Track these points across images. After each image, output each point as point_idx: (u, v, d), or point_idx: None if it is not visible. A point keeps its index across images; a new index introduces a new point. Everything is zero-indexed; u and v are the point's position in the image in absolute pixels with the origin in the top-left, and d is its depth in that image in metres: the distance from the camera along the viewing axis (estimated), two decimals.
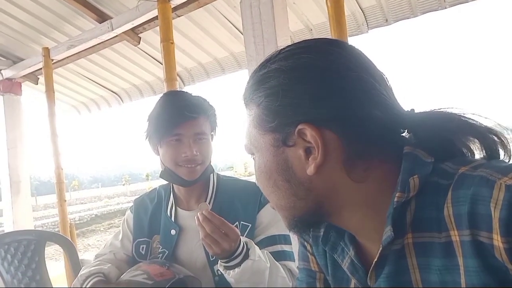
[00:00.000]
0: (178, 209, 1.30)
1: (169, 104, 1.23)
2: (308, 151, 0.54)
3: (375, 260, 0.55)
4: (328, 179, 0.54)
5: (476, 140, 0.53)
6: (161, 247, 1.27)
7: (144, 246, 1.30)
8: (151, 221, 1.32)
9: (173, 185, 1.33)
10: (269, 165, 0.58)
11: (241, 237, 1.04)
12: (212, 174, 1.31)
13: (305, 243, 0.74)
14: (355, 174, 0.54)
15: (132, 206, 1.40)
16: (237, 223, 1.19)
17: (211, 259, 1.19)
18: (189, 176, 1.22)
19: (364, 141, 0.53)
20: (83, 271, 1.21)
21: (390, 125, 0.55)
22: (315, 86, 0.53)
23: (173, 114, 1.19)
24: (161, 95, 1.32)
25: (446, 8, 2.56)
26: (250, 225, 1.20)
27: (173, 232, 1.25)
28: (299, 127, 0.53)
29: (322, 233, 0.65)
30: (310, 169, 0.53)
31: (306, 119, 0.53)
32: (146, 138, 1.26)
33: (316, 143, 0.52)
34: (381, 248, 0.53)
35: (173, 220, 1.28)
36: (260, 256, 1.05)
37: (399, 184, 0.52)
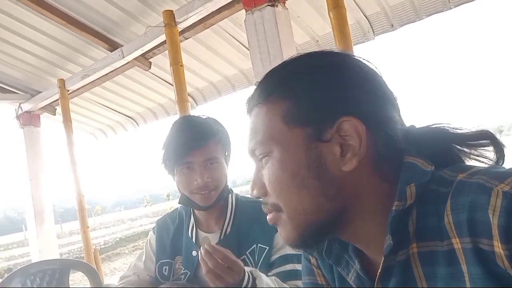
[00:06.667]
0: (199, 230, 1.31)
1: (178, 133, 1.25)
2: (342, 147, 0.53)
3: (379, 271, 0.54)
4: (361, 177, 0.53)
5: (479, 147, 0.55)
6: (183, 268, 1.28)
7: (167, 267, 1.31)
8: (173, 242, 1.33)
9: None
10: (297, 162, 0.54)
11: (245, 268, 1.01)
12: (230, 195, 1.31)
13: (310, 257, 0.72)
14: (382, 173, 0.54)
15: (155, 227, 1.42)
16: (254, 245, 1.20)
17: None
18: (204, 202, 1.23)
19: (390, 141, 0.54)
20: None
21: (403, 133, 0.56)
22: (357, 82, 0.54)
23: (182, 144, 1.21)
24: (175, 116, 1.34)
25: (451, 8, 2.54)
26: (268, 247, 1.19)
27: (194, 253, 1.26)
28: (343, 119, 0.52)
29: (325, 246, 0.63)
30: (350, 164, 0.52)
31: (350, 113, 0.52)
32: (162, 165, 1.29)
33: (359, 137, 0.52)
34: (383, 259, 0.53)
35: (194, 241, 1.29)
36: (268, 284, 1.03)
37: (397, 193, 0.52)
